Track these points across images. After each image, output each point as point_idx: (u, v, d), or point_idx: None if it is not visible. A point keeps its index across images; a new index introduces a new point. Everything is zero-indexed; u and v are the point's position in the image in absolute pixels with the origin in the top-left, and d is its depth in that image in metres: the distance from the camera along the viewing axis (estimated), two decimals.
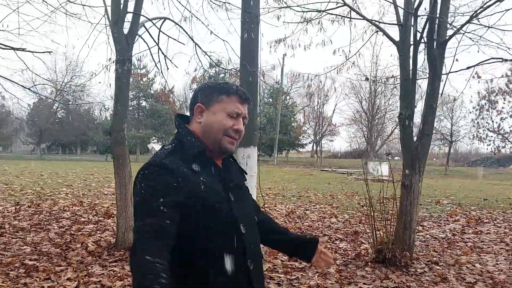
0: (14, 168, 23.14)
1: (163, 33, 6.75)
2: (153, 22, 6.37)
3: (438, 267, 5.47)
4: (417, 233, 7.74)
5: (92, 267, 4.95)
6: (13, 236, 6.44)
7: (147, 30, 6.86)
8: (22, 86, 8.01)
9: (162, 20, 7.02)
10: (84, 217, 8.29)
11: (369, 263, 5.57)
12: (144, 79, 41.91)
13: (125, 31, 5.89)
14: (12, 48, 6.64)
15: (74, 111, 50.67)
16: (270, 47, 7.31)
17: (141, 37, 6.35)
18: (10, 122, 48.63)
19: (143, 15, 5.99)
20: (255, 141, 7.48)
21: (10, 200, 10.70)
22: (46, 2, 7.23)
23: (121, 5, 5.72)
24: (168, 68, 7.73)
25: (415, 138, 5.69)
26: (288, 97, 54.02)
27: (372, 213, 5.72)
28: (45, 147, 66.27)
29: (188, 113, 1.66)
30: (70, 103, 39.91)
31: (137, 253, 1.22)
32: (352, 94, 46.40)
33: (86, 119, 52.07)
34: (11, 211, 8.83)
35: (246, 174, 1.76)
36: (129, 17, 5.93)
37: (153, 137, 45.61)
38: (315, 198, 13.09)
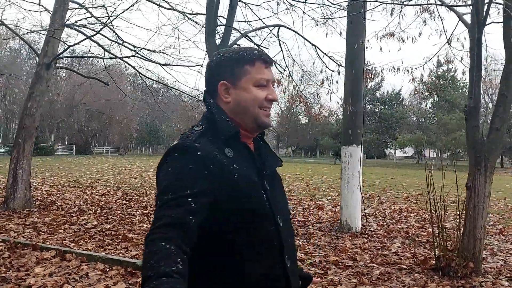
0: None
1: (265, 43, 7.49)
2: (251, 34, 7.18)
3: (505, 283, 4.62)
4: None
5: None
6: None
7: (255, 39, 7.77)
8: None
9: (277, 27, 7.79)
10: None
11: (425, 270, 5.10)
12: (370, 84, 42.28)
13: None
14: (161, 64, 8.50)
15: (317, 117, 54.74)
16: (365, 42, 7.15)
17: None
18: None
19: (234, 28, 6.87)
20: (358, 140, 7.50)
21: None
22: (195, 21, 8.87)
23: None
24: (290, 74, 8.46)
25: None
26: None
27: (432, 218, 5.21)
28: (291, 151, 73.33)
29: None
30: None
31: (153, 240, 1.11)
32: None
33: (322, 125, 55.42)
34: None
35: (282, 160, 1.57)
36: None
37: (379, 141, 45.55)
38: (498, 208, 11.40)
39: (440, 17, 7.15)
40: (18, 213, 7.93)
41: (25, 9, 8.04)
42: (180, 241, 1.12)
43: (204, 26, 6.86)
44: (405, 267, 5.34)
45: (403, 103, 50.74)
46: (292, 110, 49.33)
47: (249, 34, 7.22)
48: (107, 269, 4.81)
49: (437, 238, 5.11)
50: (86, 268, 4.82)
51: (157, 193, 1.24)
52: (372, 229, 7.53)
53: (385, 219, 8.83)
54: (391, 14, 7.35)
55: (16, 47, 40.20)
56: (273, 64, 1.46)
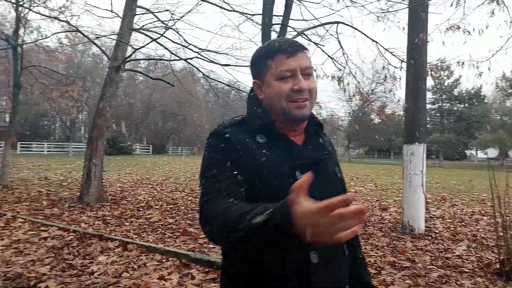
0: None
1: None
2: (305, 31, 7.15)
3: None
4: None
5: None
6: None
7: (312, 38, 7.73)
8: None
9: (336, 24, 7.70)
10: None
11: (489, 274, 4.80)
12: (447, 82, 40.19)
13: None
14: (222, 65, 8.71)
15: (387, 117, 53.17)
16: (426, 36, 6.83)
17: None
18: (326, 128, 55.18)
19: (290, 26, 6.89)
20: (421, 138, 7.23)
21: None
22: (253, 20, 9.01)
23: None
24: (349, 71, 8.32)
25: None
26: None
27: (495, 219, 4.88)
28: (363, 152, 71.60)
29: None
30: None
31: (213, 205, 1.12)
32: None
33: (396, 124, 53.53)
34: None
35: (329, 153, 1.47)
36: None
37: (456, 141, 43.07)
38: None
39: (506, 7, 6.70)
40: (91, 207, 8.53)
41: (98, 16, 8.72)
42: (234, 200, 1.13)
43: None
44: (467, 270, 5.06)
45: (485, 100, 47.53)
46: (364, 109, 48.11)
47: (306, 32, 7.19)
48: (164, 260, 5.04)
49: (503, 241, 4.80)
50: (145, 259, 5.08)
51: (200, 174, 1.28)
52: (437, 231, 7.19)
53: (453, 221, 8.38)
54: (452, 5, 7.00)
55: (99, 53, 43.05)
56: (300, 50, 1.31)
